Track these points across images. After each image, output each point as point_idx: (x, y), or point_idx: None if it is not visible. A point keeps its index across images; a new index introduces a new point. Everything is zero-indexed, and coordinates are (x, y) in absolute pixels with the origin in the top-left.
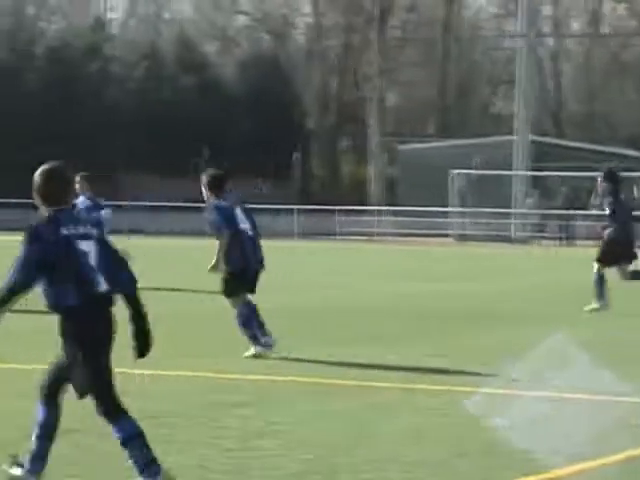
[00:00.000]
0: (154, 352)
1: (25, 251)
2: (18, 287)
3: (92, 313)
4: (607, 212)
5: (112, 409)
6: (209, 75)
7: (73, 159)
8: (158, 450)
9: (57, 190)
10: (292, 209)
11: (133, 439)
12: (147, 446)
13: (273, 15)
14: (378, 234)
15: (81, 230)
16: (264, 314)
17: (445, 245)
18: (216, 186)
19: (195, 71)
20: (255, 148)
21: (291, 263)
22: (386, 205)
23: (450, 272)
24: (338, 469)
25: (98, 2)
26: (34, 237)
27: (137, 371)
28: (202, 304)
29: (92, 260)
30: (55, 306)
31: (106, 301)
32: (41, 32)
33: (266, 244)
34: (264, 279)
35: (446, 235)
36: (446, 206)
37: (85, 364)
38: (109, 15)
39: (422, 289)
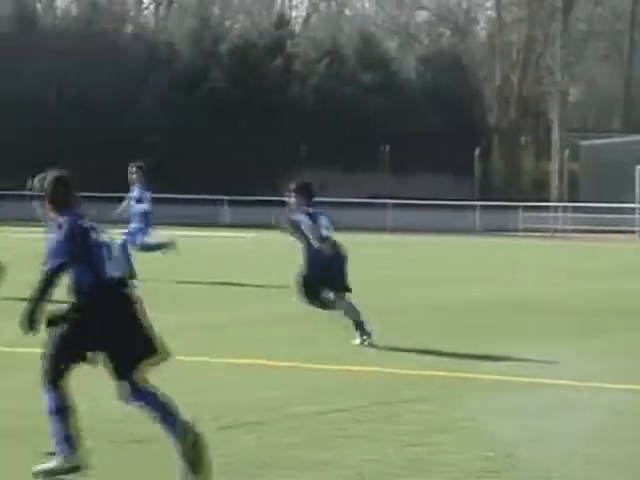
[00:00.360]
0: (336, 349)
1: (56, 243)
2: (53, 272)
3: (103, 295)
4: None
5: (47, 380)
6: (389, 71)
7: (258, 154)
8: (339, 444)
9: (64, 195)
10: (473, 205)
11: (54, 414)
12: (67, 424)
13: (454, 10)
14: (558, 230)
15: (93, 224)
16: (439, 308)
17: (629, 242)
18: (304, 193)
19: (376, 67)
20: (435, 144)
21: (471, 258)
22: (568, 201)
23: (633, 269)
24: (518, 466)
25: (281, 0)
26: (66, 232)
27: (318, 366)
28: (384, 299)
29: (104, 250)
30: (74, 287)
31: (117, 285)
32: (226, 31)
33: (445, 239)
34: (443, 274)
35: (631, 232)
36: (631, 202)
37: (61, 332)
38: (292, 13)
39: (601, 286)
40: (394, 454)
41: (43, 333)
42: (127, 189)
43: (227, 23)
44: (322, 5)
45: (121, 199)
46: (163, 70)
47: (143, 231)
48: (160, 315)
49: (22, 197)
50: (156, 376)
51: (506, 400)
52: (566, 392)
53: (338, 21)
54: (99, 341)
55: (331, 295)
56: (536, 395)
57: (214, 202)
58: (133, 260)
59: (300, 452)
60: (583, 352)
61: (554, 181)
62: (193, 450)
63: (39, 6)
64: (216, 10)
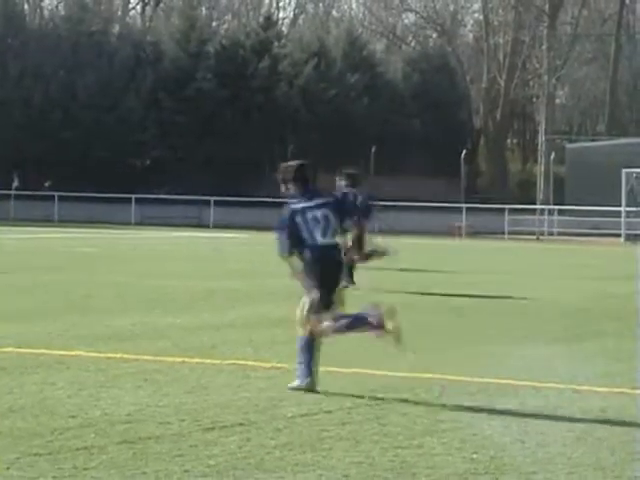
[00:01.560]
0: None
1: None
2: None
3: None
4: None
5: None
6: (376, 73)
7: (245, 155)
8: (325, 446)
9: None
10: (459, 207)
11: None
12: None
13: (441, 12)
14: (544, 233)
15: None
16: (424, 311)
17: (615, 245)
18: None
19: (362, 69)
20: (421, 145)
21: (456, 261)
22: (554, 204)
23: (620, 273)
24: (504, 469)
25: (268, 1)
26: None
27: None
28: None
29: None
30: None
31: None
32: (213, 31)
33: (431, 242)
34: (428, 276)
35: (617, 235)
36: (616, 206)
37: None
38: (279, 14)
39: (588, 290)
40: (379, 456)
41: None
42: (112, 188)
43: (214, 24)
44: (309, 6)
45: (106, 199)
46: (150, 70)
47: None
48: (152, 315)
49: (7, 196)
50: (143, 377)
51: (491, 402)
52: (552, 395)
53: (325, 22)
54: None
55: None
56: (521, 398)
57: (200, 203)
58: None
59: (286, 454)
60: (570, 355)
61: (540, 184)
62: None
63: (26, 6)
64: (203, 11)
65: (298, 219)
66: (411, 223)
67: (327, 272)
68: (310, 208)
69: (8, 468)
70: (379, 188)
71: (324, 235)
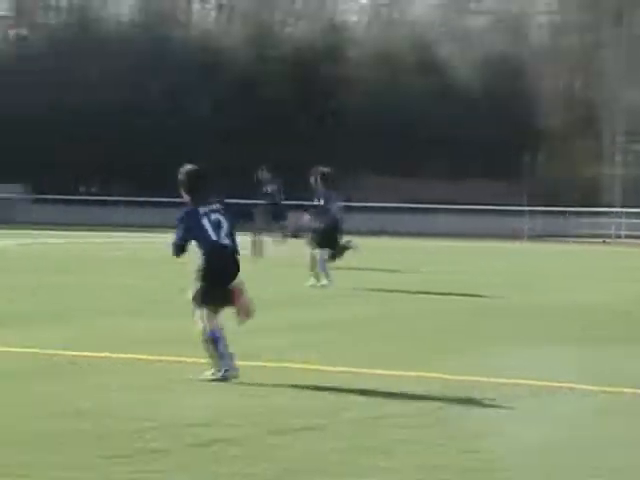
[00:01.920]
0: (384, 353)
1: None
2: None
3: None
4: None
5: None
6: (445, 77)
7: (311, 160)
8: (390, 450)
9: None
10: (526, 210)
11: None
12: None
13: (512, 15)
14: (611, 236)
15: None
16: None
17: None
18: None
19: (431, 73)
20: (492, 148)
21: (517, 264)
22: (624, 207)
23: None
24: (553, 473)
25: (336, 5)
26: None
27: (367, 370)
28: (425, 302)
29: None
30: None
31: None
32: (281, 36)
33: (495, 245)
34: (494, 279)
35: None
36: None
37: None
38: (348, 18)
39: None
40: (445, 460)
41: None
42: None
43: (283, 28)
44: (379, 11)
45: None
46: (219, 75)
47: None
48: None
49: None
50: (205, 380)
51: (547, 405)
52: (602, 399)
53: (394, 26)
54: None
55: None
56: (573, 402)
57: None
58: None
59: (350, 458)
60: (626, 359)
61: (608, 187)
62: None
63: (97, 13)
64: (272, 15)
65: (204, 220)
66: (472, 226)
67: (222, 271)
68: (212, 211)
69: (82, 470)
70: (446, 192)
71: (224, 237)
